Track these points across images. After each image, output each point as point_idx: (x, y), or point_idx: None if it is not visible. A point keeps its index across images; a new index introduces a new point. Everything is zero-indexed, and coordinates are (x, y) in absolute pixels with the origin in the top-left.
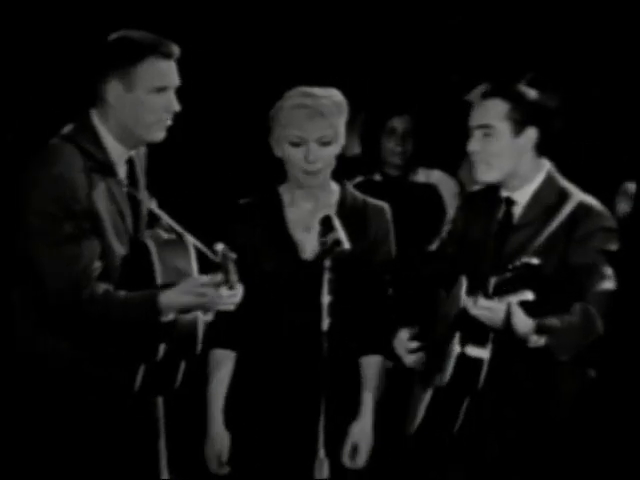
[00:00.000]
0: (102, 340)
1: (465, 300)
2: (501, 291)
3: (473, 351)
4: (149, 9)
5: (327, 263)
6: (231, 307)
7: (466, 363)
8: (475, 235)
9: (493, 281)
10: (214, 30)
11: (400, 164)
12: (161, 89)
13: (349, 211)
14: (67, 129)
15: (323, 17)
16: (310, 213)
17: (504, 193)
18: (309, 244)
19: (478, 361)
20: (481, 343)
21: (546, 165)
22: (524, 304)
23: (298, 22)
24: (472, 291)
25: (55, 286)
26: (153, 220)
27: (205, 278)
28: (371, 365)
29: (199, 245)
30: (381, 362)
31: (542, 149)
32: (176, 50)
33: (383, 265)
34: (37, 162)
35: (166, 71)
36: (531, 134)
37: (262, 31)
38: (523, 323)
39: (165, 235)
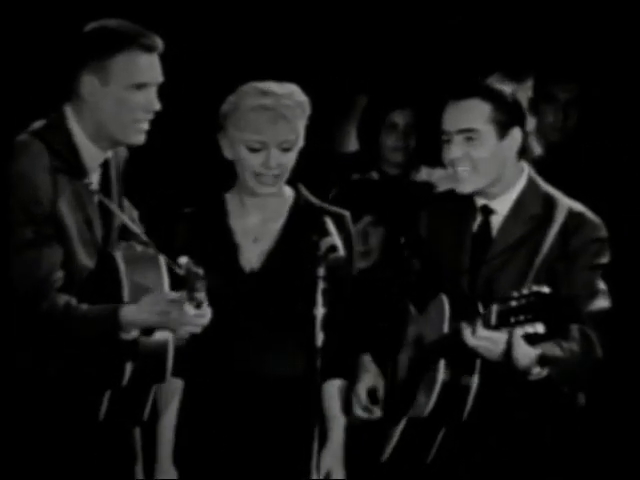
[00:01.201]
0: (64, 357)
1: (462, 329)
2: (506, 322)
3: (460, 379)
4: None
5: (321, 272)
6: (197, 329)
7: (451, 392)
8: (444, 247)
9: (495, 309)
10: (201, 23)
11: (401, 162)
12: (140, 85)
13: (303, 220)
14: (37, 124)
15: (321, 9)
16: (260, 222)
17: (480, 201)
18: (255, 255)
19: (465, 390)
20: (468, 370)
21: (526, 169)
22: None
23: (295, 14)
24: (462, 316)
25: (13, 294)
26: (128, 232)
27: (171, 294)
28: (334, 391)
29: (168, 260)
30: (345, 386)
31: (522, 151)
32: (159, 43)
33: (342, 282)
34: (2, 159)
35: (146, 65)
36: (516, 136)
37: (259, 24)
38: (525, 355)
39: (139, 248)
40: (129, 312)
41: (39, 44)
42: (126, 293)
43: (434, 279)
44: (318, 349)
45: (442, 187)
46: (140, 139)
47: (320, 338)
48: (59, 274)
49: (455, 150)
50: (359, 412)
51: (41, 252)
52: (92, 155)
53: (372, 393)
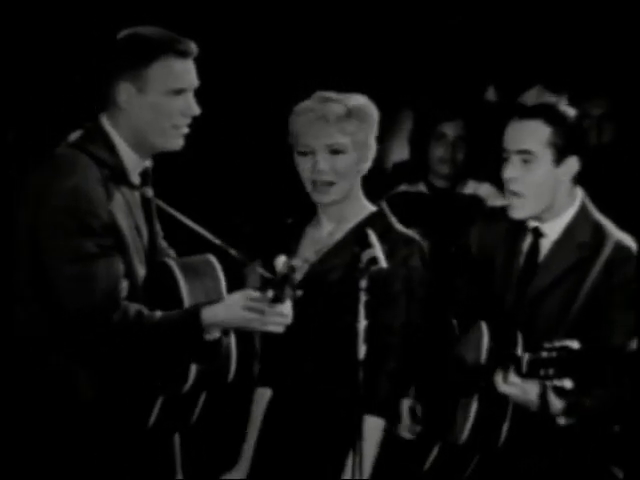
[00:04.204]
0: (130, 368)
1: (496, 376)
2: (536, 373)
3: (494, 408)
4: (163, 5)
5: (363, 283)
6: (280, 328)
7: (486, 420)
8: (493, 266)
9: (527, 358)
10: (239, 24)
11: (448, 174)
12: (178, 91)
13: (355, 236)
14: (75, 136)
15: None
16: (327, 235)
17: (532, 222)
18: (309, 268)
19: (499, 419)
20: (502, 403)
21: (579, 195)
22: None
23: (336, 23)
24: (501, 343)
25: (76, 309)
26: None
27: (253, 293)
28: (368, 430)
29: (229, 249)
30: (382, 426)
31: (578, 178)
32: (193, 48)
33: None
34: (48, 173)
35: (182, 71)
36: (572, 164)
37: (298, 31)
38: (553, 406)
39: (187, 257)
40: (212, 311)
41: (72, 55)
42: (186, 299)
43: (479, 296)
44: (360, 362)
45: (491, 203)
46: (179, 144)
47: (362, 351)
48: (124, 283)
49: (511, 170)
50: (404, 433)
51: (104, 263)
52: (133, 163)
53: (412, 411)
